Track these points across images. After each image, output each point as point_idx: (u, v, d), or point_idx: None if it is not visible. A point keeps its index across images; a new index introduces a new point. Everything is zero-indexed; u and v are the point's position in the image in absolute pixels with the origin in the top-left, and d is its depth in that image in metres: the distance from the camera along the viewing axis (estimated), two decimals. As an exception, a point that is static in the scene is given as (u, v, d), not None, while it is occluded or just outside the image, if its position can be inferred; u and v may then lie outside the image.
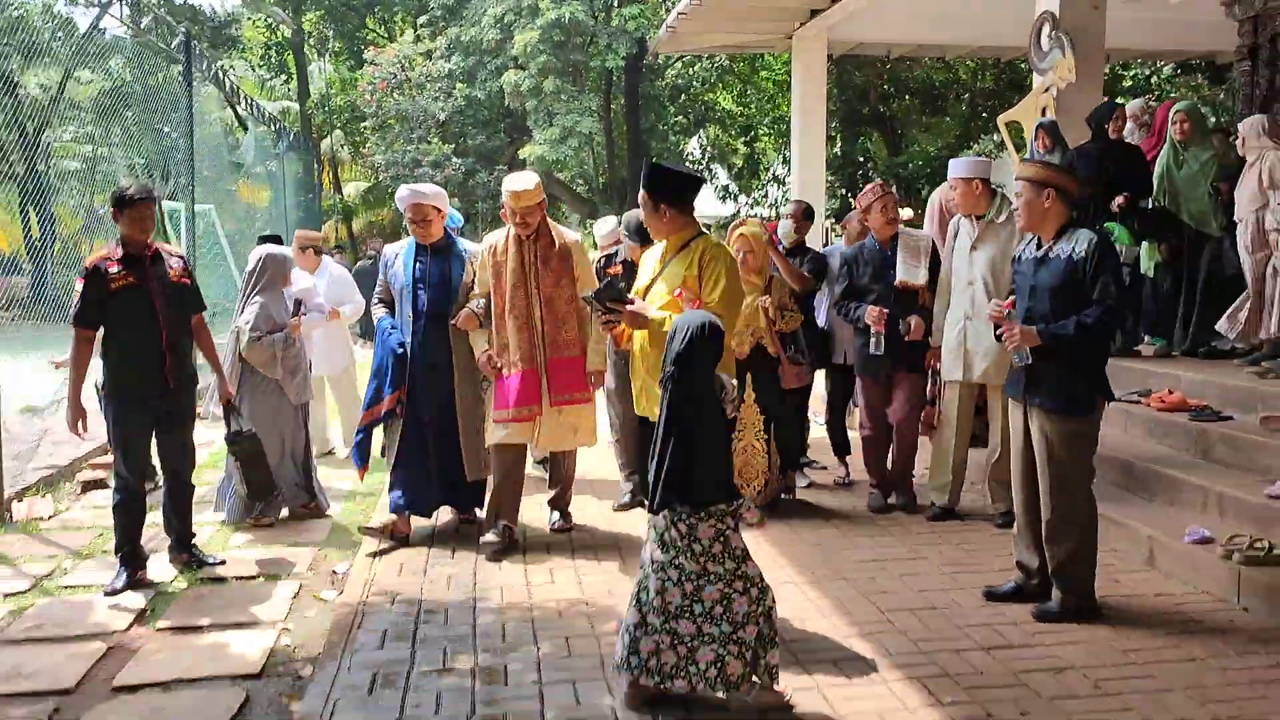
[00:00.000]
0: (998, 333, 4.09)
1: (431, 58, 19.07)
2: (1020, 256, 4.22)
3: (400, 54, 17.19)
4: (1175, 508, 5.06)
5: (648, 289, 3.93)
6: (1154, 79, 18.37)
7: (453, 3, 20.12)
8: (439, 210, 5.07)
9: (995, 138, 19.37)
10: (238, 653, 3.87)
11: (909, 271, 5.51)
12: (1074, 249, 3.93)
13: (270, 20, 23.51)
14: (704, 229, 4.02)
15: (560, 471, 5.40)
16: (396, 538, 5.15)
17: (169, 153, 9.36)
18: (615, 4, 19.89)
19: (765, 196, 20.83)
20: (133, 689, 3.58)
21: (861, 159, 18.97)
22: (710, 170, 22.61)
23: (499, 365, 4.85)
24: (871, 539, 5.22)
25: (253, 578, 4.80)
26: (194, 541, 4.93)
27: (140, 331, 4.45)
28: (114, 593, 4.50)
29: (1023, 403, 4.13)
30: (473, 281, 5.00)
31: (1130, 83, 17.98)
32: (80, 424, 4.55)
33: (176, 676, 3.65)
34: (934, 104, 19.18)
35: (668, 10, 18.49)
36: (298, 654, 3.89)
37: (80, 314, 4.46)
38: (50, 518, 5.88)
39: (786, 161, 18.22)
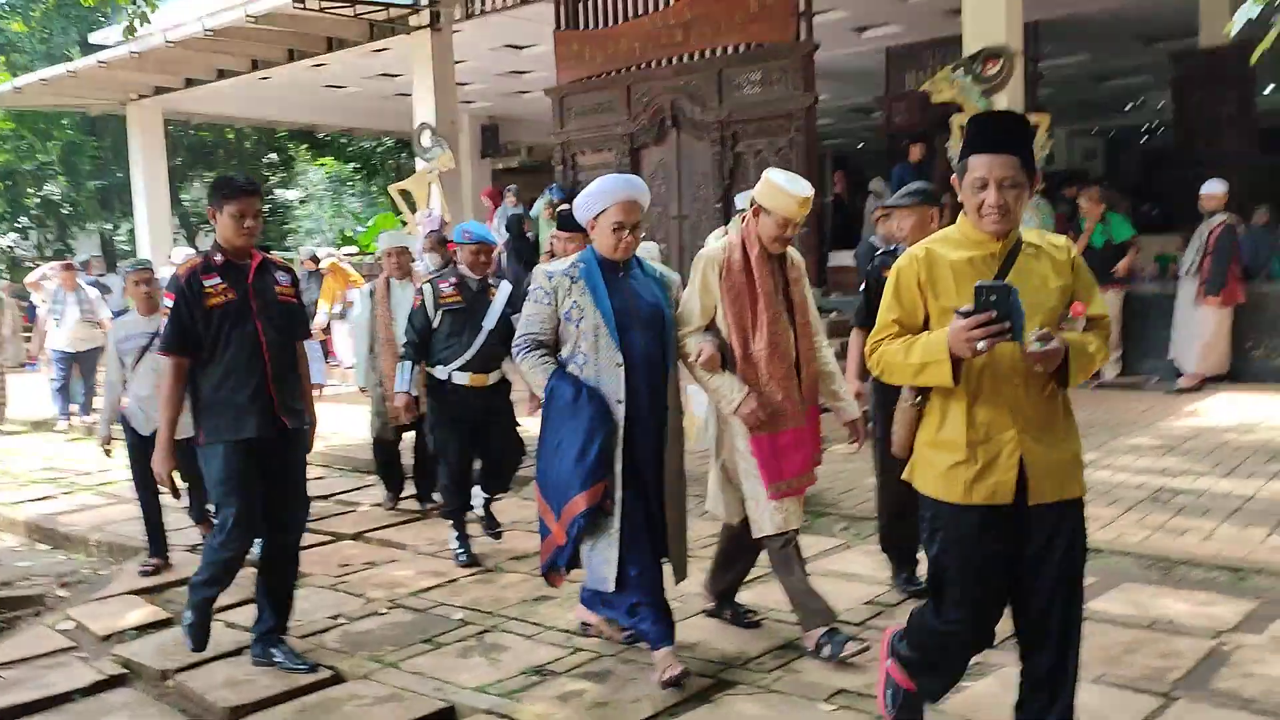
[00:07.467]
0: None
1: None
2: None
3: None
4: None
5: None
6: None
7: None
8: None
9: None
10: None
11: None
12: None
13: None
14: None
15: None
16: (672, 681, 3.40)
17: None
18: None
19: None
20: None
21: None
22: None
23: (763, 418, 3.60)
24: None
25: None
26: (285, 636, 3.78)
27: (242, 361, 3.60)
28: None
29: None
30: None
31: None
32: (171, 477, 3.74)
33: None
34: (204, 159, 23.04)
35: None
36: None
37: (169, 338, 3.62)
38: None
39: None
